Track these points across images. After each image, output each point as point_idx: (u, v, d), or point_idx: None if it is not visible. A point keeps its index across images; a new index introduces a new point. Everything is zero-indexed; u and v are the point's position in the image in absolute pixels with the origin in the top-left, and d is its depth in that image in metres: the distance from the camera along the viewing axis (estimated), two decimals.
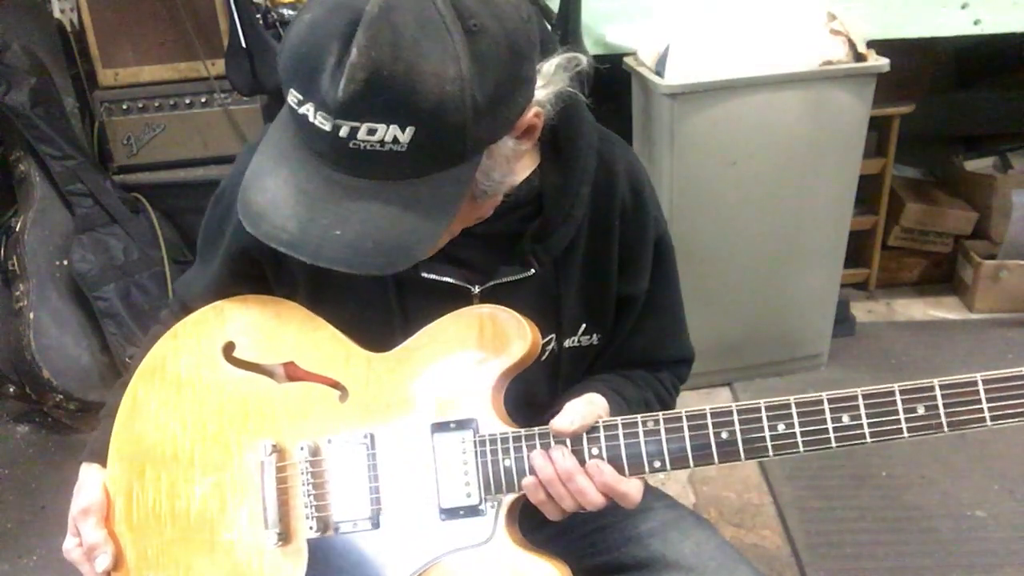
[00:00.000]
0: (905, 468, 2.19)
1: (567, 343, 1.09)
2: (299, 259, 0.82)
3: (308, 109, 0.79)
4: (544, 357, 1.07)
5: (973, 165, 3.10)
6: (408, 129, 0.77)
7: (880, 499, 2.11)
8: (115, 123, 2.58)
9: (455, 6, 0.78)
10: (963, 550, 1.93)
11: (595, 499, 0.91)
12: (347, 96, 0.76)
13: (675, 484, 2.19)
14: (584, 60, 0.95)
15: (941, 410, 0.84)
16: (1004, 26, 2.44)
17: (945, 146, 3.22)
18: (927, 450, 2.22)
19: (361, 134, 0.77)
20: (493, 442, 0.95)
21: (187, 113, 2.57)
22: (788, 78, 2.19)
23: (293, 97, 0.81)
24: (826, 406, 0.87)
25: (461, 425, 0.96)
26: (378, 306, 1.04)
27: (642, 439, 0.92)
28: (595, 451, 0.92)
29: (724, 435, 0.90)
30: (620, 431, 0.92)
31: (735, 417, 0.89)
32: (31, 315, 2.44)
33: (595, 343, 1.11)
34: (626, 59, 2.45)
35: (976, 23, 2.44)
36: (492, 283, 1.02)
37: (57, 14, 2.71)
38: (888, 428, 0.86)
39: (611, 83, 2.42)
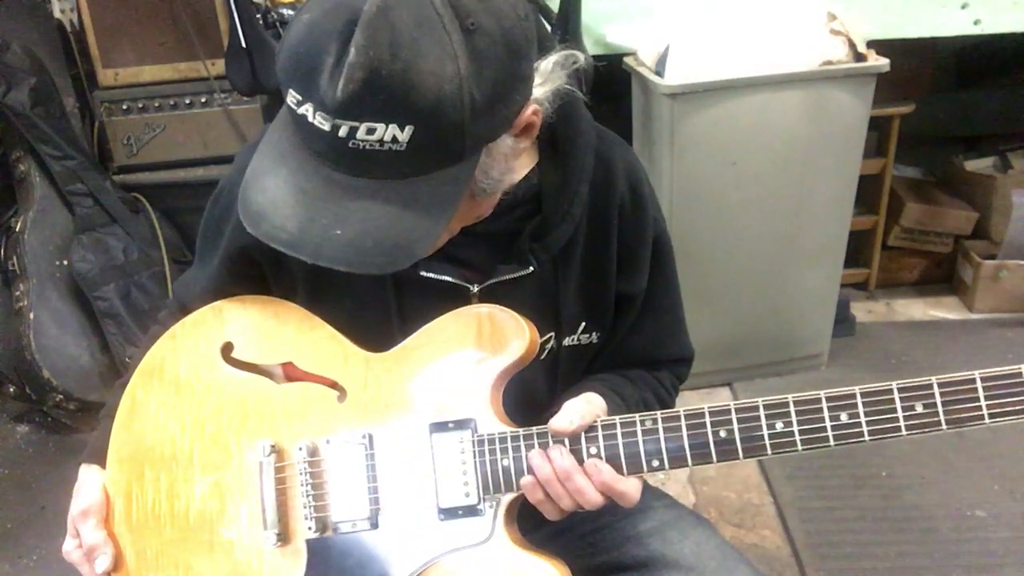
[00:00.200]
0: (905, 468, 2.19)
1: (566, 342, 1.09)
2: (299, 259, 0.82)
3: (307, 109, 0.79)
4: (543, 356, 1.07)
5: (973, 165, 3.10)
6: (407, 128, 0.77)
7: (880, 499, 2.11)
8: (115, 123, 2.58)
9: (452, 5, 0.78)
10: (963, 550, 1.93)
11: (593, 498, 0.91)
12: (346, 96, 0.76)
13: (675, 484, 2.19)
14: (582, 58, 0.96)
15: (939, 408, 0.85)
16: (1004, 26, 2.44)
17: (945, 146, 3.22)
18: (927, 450, 2.22)
19: (360, 133, 0.77)
20: (492, 442, 0.95)
21: (187, 113, 2.57)
22: (788, 78, 2.19)
23: (292, 97, 0.81)
24: (824, 404, 0.87)
25: (459, 425, 0.96)
26: (376, 306, 1.04)
27: (640, 438, 0.92)
28: (593, 450, 0.92)
29: (722, 434, 0.90)
30: (618, 430, 0.92)
31: (733, 416, 0.89)
32: (31, 315, 2.44)
33: (594, 342, 1.11)
34: (626, 59, 2.45)
35: (976, 23, 2.44)
36: (491, 282, 1.02)
37: (57, 14, 2.71)
38: (886, 426, 0.86)
39: (611, 83, 2.42)
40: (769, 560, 1.96)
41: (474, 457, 0.95)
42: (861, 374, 2.62)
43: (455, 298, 1.00)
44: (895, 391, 0.85)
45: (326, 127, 0.78)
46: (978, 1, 2.41)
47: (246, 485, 1.01)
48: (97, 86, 2.57)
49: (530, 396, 1.06)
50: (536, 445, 0.93)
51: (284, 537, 0.99)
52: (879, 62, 2.23)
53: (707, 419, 0.90)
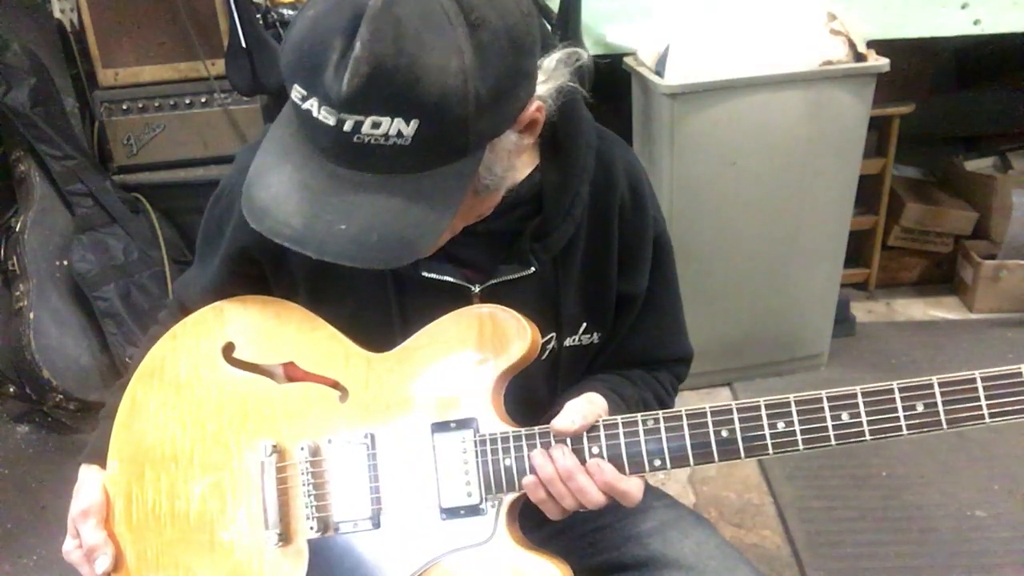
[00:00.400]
0: (905, 468, 2.19)
1: (567, 342, 1.09)
2: (300, 258, 0.82)
3: (312, 104, 0.79)
4: (544, 356, 1.07)
5: (973, 165, 3.10)
6: (412, 122, 0.77)
7: (880, 499, 2.11)
8: (115, 123, 2.58)
9: (457, 0, 0.78)
10: (963, 550, 1.93)
11: (596, 498, 0.91)
12: (351, 90, 0.76)
13: (675, 484, 2.19)
14: (585, 55, 0.96)
15: (940, 407, 0.85)
16: (1004, 26, 2.44)
17: (945, 146, 3.22)
18: (927, 450, 2.22)
19: (365, 128, 0.77)
20: (493, 441, 0.95)
21: (187, 113, 2.57)
22: (788, 78, 2.19)
23: (297, 93, 0.81)
24: (825, 404, 0.87)
25: (461, 425, 0.96)
26: (377, 306, 1.04)
27: (642, 438, 0.92)
28: (595, 450, 0.92)
29: (724, 433, 0.90)
30: (620, 430, 0.92)
31: (735, 415, 0.89)
32: (31, 315, 2.44)
33: (595, 342, 1.11)
34: (626, 59, 2.45)
35: (976, 23, 2.44)
36: (492, 282, 1.02)
37: (57, 14, 2.71)
38: (887, 426, 0.86)
39: (611, 83, 2.42)
40: (769, 560, 1.96)
41: (476, 457, 0.95)
42: (861, 374, 2.62)
43: (456, 298, 1.00)
44: (896, 391, 0.86)
45: (331, 122, 0.78)
46: (978, 1, 2.41)
47: (247, 485, 1.01)
48: (97, 86, 2.57)
49: (530, 396, 1.06)
50: (538, 445, 0.93)
51: (285, 537, 0.99)
52: (879, 62, 2.23)
53: (709, 419, 0.90)
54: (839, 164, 2.37)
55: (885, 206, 2.91)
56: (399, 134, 0.77)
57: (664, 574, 1.04)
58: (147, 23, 2.48)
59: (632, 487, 0.92)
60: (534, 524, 1.01)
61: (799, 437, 0.88)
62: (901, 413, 0.85)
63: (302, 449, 0.99)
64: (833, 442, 0.87)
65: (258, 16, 2.37)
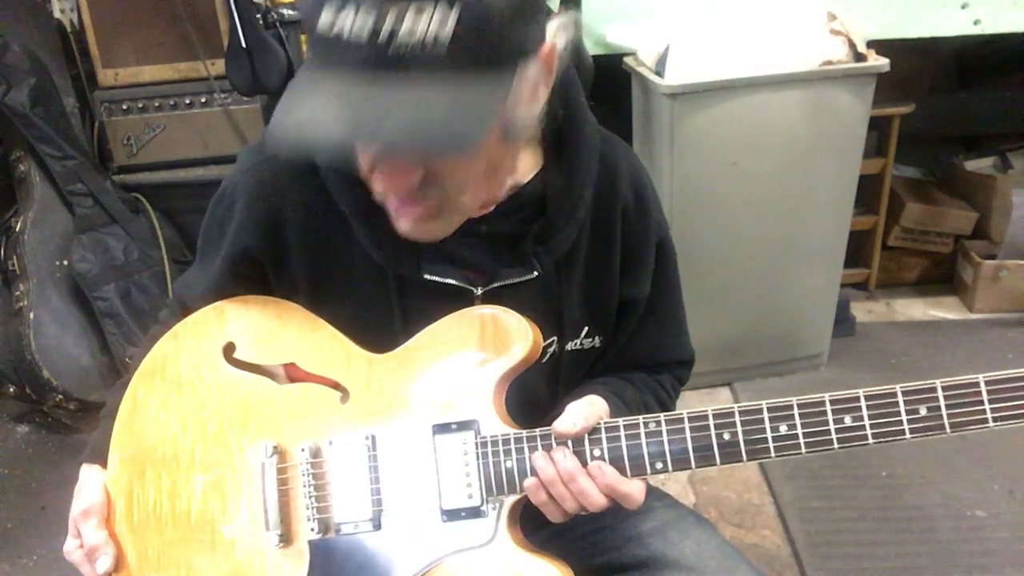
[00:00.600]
0: (905, 468, 2.19)
1: (569, 346, 1.08)
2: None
3: (345, 19, 0.76)
4: (545, 360, 1.07)
5: (973, 165, 3.10)
6: (451, 17, 0.75)
7: (880, 499, 2.11)
8: (115, 123, 2.58)
9: None
10: (963, 550, 1.93)
11: (597, 500, 0.91)
12: None
13: (675, 484, 2.19)
14: (578, 18, 0.95)
15: (943, 411, 0.84)
16: (1004, 26, 2.44)
17: (945, 146, 3.22)
18: (927, 450, 2.23)
19: (403, 29, 0.75)
20: (495, 443, 0.95)
21: (187, 113, 2.57)
22: (788, 78, 2.19)
23: (324, 21, 0.78)
24: (828, 407, 0.87)
25: (462, 426, 0.96)
26: (379, 307, 1.04)
27: (644, 440, 0.92)
28: (597, 452, 0.92)
29: (726, 436, 0.89)
30: (622, 432, 0.92)
31: (737, 418, 0.89)
32: (31, 315, 2.44)
33: (596, 346, 1.11)
34: (626, 59, 2.45)
35: (976, 23, 2.44)
36: (494, 285, 1.02)
37: (57, 14, 2.71)
38: (890, 429, 0.85)
39: (611, 83, 2.42)
40: (769, 560, 1.96)
41: (477, 459, 0.95)
42: (861, 374, 2.63)
43: (458, 301, 1.00)
44: (899, 394, 0.85)
45: (365, 32, 0.75)
46: (978, 1, 2.41)
47: (248, 486, 1.01)
48: (97, 86, 2.57)
49: (531, 400, 1.06)
50: (539, 447, 0.93)
51: (286, 538, 0.99)
52: (879, 62, 2.23)
53: (711, 421, 0.90)
54: (839, 164, 2.37)
55: (885, 206, 2.92)
56: (437, 34, 0.75)
57: (665, 574, 1.04)
58: (147, 23, 2.48)
59: (634, 489, 0.92)
60: (535, 526, 1.01)
61: (801, 440, 0.88)
62: (904, 417, 0.85)
63: (303, 450, 0.99)
64: (836, 445, 0.87)
65: (258, 16, 2.37)
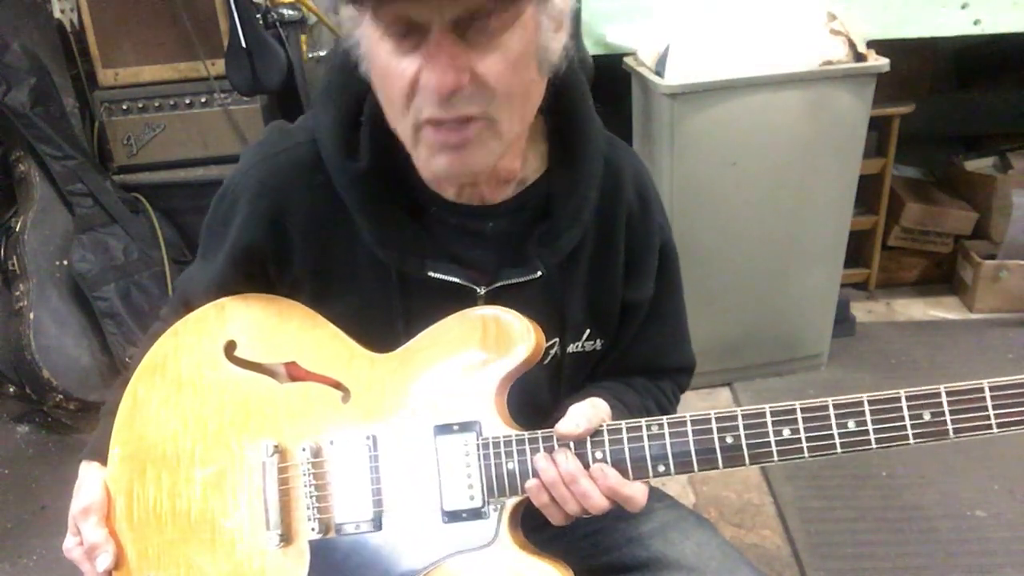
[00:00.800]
0: (905, 468, 2.19)
1: (570, 348, 1.08)
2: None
3: None
4: (546, 361, 1.07)
5: (973, 165, 3.10)
6: None
7: (880, 499, 2.11)
8: (115, 123, 2.58)
9: None
10: (963, 550, 1.93)
11: (599, 502, 0.91)
12: None
13: (675, 484, 2.18)
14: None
15: (947, 417, 0.84)
16: (1004, 26, 2.44)
17: (945, 146, 3.22)
18: (928, 450, 2.20)
19: None
20: (496, 444, 0.95)
21: (187, 113, 2.58)
22: (788, 78, 2.19)
23: None
24: (831, 412, 0.87)
25: (464, 427, 0.96)
26: (381, 306, 1.03)
27: (646, 443, 0.91)
28: (599, 455, 0.92)
29: (729, 440, 0.89)
30: (624, 435, 0.92)
31: (740, 422, 0.89)
32: (31, 315, 2.44)
33: (598, 349, 1.11)
34: (626, 59, 2.45)
35: (976, 23, 2.44)
36: (497, 285, 1.02)
37: (57, 14, 2.71)
38: (894, 434, 0.85)
39: (611, 83, 2.43)
40: (769, 560, 1.96)
41: (479, 460, 0.95)
42: (861, 374, 2.63)
43: (461, 300, 1.00)
44: (903, 399, 0.85)
45: None
46: (978, 1, 2.41)
47: (248, 485, 1.01)
48: (97, 86, 2.57)
49: (532, 402, 1.06)
50: (541, 448, 0.93)
51: (287, 538, 0.99)
52: (879, 62, 2.23)
53: (713, 425, 0.90)
54: (839, 164, 2.37)
55: (885, 206, 2.92)
56: None
57: (665, 575, 1.04)
58: (147, 23, 2.49)
59: (635, 492, 0.92)
60: (535, 526, 1.00)
61: (804, 445, 0.87)
62: (908, 422, 0.85)
63: (304, 450, 0.99)
64: (839, 450, 0.87)
65: (258, 16, 2.37)
